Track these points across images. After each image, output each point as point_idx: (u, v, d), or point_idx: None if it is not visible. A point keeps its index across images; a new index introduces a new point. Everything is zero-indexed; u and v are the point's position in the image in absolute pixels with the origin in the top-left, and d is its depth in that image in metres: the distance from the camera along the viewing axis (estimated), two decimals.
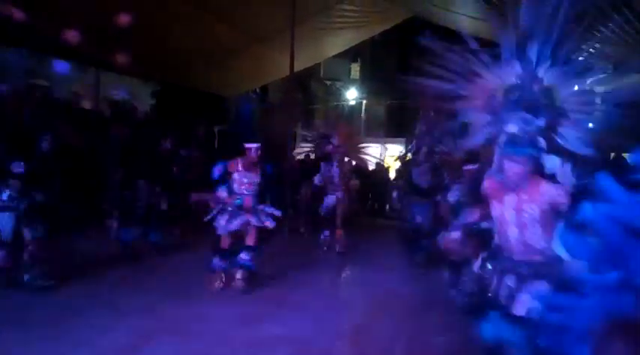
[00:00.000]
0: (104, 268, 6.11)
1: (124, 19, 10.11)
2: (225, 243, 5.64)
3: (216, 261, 5.59)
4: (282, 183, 8.85)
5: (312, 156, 10.22)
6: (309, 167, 10.14)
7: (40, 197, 5.16)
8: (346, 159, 8.27)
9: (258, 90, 17.81)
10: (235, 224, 5.58)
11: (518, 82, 2.72)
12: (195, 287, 5.51)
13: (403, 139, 15.78)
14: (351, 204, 8.18)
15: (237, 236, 5.68)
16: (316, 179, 8.06)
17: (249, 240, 5.64)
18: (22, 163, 4.99)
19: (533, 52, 2.69)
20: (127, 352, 3.83)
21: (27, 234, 5.06)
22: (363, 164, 9.84)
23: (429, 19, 12.31)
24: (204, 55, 12.14)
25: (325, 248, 7.89)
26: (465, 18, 9.74)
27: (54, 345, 3.85)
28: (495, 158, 2.84)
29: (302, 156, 11.70)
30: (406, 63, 19.46)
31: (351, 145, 8.38)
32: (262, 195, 5.81)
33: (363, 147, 9.00)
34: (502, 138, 2.71)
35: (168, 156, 7.52)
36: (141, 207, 6.80)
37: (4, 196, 4.96)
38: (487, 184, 2.91)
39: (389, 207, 13.51)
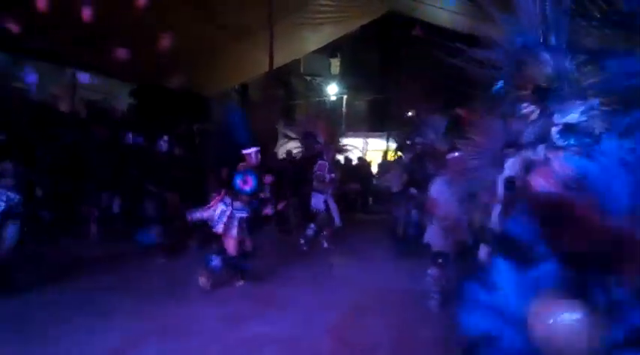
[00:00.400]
0: (90, 272, 6.06)
1: (96, 17, 10.00)
2: (232, 247, 5.59)
3: (218, 262, 5.56)
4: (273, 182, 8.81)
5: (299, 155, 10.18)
6: (297, 166, 10.10)
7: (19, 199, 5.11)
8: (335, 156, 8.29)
9: (237, 87, 17.72)
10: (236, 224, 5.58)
11: (556, 71, 2.63)
12: (182, 288, 5.50)
13: (384, 133, 15.90)
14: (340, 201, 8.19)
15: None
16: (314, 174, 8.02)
17: (247, 246, 5.76)
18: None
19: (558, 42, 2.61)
20: (116, 354, 3.80)
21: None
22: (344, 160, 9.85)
23: (407, 14, 12.40)
24: (182, 53, 12.02)
25: (303, 242, 7.83)
26: (444, 12, 9.81)
27: (43, 349, 3.83)
28: (541, 151, 2.71)
29: (285, 155, 11.66)
30: (386, 58, 19.58)
31: (335, 142, 8.39)
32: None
33: (345, 145, 9.02)
34: (554, 130, 2.59)
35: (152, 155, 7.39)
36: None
37: None
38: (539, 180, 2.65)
39: (371, 201, 13.58)
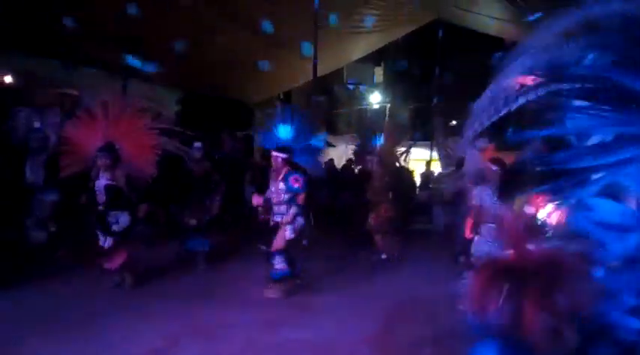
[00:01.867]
0: (139, 274, 6.23)
1: (144, 26, 10.31)
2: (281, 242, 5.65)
3: (283, 265, 5.62)
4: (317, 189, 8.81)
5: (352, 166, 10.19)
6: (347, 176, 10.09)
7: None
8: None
9: (281, 95, 17.91)
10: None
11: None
12: (222, 293, 5.57)
13: (428, 143, 15.67)
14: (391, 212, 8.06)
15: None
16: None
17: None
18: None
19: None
20: (157, 354, 3.88)
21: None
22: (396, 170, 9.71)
23: (452, 22, 12.24)
24: (227, 62, 12.26)
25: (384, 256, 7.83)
26: (490, 20, 9.61)
27: (83, 347, 3.94)
28: None
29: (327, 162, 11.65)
30: (431, 66, 19.35)
31: (390, 154, 8.29)
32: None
33: (403, 154, 8.90)
34: None
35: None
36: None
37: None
38: None
39: (414, 211, 13.36)
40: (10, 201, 6.75)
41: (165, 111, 14.71)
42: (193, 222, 6.72)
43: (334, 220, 9.29)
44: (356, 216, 8.54)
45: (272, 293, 5.56)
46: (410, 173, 13.84)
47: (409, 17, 12.45)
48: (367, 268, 7.34)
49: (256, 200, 5.79)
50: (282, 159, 5.70)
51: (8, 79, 13.10)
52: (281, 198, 5.71)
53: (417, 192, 12.99)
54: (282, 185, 5.69)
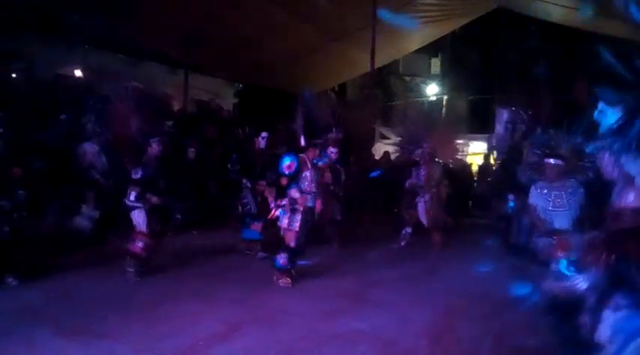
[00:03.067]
0: (200, 261, 6.51)
1: (203, 22, 10.58)
2: (293, 243, 5.59)
3: (284, 261, 5.56)
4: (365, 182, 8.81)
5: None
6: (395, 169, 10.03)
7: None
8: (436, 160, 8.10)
9: (336, 87, 17.93)
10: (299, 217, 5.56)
11: None
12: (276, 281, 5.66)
13: (486, 135, 15.28)
14: (440, 206, 7.97)
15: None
16: (408, 182, 7.96)
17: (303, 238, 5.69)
18: (139, 169, 5.54)
19: None
20: (218, 338, 4.03)
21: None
22: (455, 164, 9.54)
23: (516, 10, 11.85)
24: (287, 55, 12.38)
25: (403, 243, 7.81)
26: (558, 8, 9.22)
27: (150, 328, 4.14)
28: None
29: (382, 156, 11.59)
30: (488, 56, 18.83)
31: (444, 147, 8.16)
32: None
33: (457, 147, 8.73)
34: None
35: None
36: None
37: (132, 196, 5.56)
38: None
39: (472, 204, 13.11)
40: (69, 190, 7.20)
41: (224, 103, 15.10)
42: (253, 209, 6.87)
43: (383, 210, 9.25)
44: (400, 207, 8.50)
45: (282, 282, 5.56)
46: (467, 166, 13.60)
47: (468, 7, 12.15)
48: (413, 259, 7.31)
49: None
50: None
51: (78, 72, 13.78)
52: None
53: (475, 185, 12.73)
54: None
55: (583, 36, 9.50)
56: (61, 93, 11.69)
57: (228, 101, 16.57)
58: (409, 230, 7.93)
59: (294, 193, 5.54)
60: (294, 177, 5.58)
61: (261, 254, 6.78)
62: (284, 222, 5.61)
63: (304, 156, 5.68)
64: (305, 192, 5.58)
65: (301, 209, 5.56)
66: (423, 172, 7.77)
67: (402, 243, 7.91)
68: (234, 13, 10.63)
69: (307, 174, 5.62)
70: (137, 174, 5.54)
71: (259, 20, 11.01)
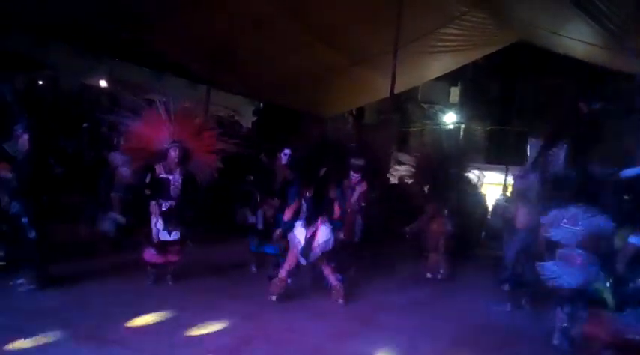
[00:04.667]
0: (215, 274, 6.56)
1: (226, 40, 10.78)
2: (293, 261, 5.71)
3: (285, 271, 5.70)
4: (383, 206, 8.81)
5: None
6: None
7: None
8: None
9: (354, 111, 18.07)
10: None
11: None
12: (288, 298, 5.67)
13: (503, 166, 15.26)
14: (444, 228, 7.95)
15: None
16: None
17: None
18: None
19: None
20: (228, 351, 4.08)
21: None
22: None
23: (536, 44, 11.91)
24: (308, 76, 12.52)
25: (429, 273, 7.78)
26: (580, 44, 9.26)
27: (161, 337, 4.19)
28: None
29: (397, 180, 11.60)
30: (508, 87, 18.88)
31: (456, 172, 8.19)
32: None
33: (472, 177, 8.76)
34: None
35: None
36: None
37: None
38: None
39: (485, 235, 13.01)
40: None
41: (243, 120, 15.29)
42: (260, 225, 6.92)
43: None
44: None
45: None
46: (482, 196, 13.52)
47: (489, 38, 12.23)
48: (422, 286, 7.29)
49: None
50: None
51: (103, 83, 14.08)
52: None
53: (489, 217, 12.63)
54: None
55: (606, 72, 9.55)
56: (86, 103, 11.94)
57: (247, 119, 16.80)
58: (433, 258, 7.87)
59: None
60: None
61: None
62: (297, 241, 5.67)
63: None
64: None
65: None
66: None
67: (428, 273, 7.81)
68: (257, 32, 10.83)
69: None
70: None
71: (282, 40, 11.18)
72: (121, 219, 7.20)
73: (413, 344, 4.71)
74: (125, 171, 7.16)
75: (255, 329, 4.65)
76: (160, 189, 5.74)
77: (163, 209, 5.73)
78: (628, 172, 3.65)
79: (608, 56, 9.15)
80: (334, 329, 4.93)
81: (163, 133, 5.82)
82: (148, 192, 5.76)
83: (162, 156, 5.80)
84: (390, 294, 6.57)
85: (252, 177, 7.49)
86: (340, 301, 5.69)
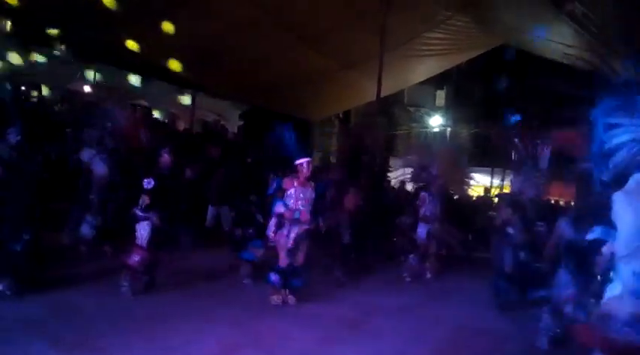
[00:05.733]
0: (201, 280, 6.46)
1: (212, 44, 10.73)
2: (284, 261, 5.69)
3: (275, 278, 5.66)
4: (380, 210, 8.80)
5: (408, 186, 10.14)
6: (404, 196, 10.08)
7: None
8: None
9: (341, 114, 18.11)
10: (293, 236, 5.70)
11: None
12: (281, 306, 5.64)
13: (488, 169, 15.39)
14: (445, 234, 7.97)
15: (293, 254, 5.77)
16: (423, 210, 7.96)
17: (300, 258, 5.78)
18: (151, 179, 5.52)
19: None
20: None
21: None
22: (463, 193, 9.57)
23: (520, 48, 12.06)
24: (295, 80, 12.52)
25: (406, 274, 7.75)
26: (562, 47, 9.39)
27: (148, 345, 4.12)
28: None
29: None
30: (493, 90, 19.08)
31: (452, 174, 8.20)
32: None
33: (465, 177, 8.76)
34: None
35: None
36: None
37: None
38: None
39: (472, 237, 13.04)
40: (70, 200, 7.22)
41: (229, 125, 15.23)
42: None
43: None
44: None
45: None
46: (469, 199, 13.58)
47: (475, 42, 12.35)
48: (411, 290, 7.28)
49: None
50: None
51: (87, 88, 13.94)
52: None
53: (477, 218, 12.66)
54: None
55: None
56: (69, 107, 11.80)
57: (233, 123, 16.74)
58: (415, 259, 7.84)
59: (279, 208, 5.73)
60: (276, 195, 5.82)
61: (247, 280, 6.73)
62: (275, 237, 5.73)
63: (291, 176, 5.81)
64: (290, 209, 5.71)
65: (289, 222, 5.69)
66: (431, 199, 7.78)
67: (408, 279, 7.77)
68: (243, 36, 10.81)
69: (292, 191, 5.74)
70: (149, 185, 5.52)
71: (268, 44, 11.18)
72: (98, 220, 6.96)
73: (401, 348, 4.71)
74: (97, 168, 6.99)
75: (243, 336, 4.59)
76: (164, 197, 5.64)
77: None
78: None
79: (590, 58, 9.26)
80: (323, 334, 4.89)
81: (151, 137, 5.77)
82: (148, 200, 5.54)
83: (152, 159, 5.75)
84: (379, 298, 6.56)
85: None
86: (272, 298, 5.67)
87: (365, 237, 8.03)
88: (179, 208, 6.52)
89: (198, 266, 7.15)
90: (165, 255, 5.94)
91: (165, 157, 5.70)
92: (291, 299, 5.75)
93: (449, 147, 9.82)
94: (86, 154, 7.18)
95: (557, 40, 9.47)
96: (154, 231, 5.57)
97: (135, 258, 5.50)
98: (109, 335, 4.23)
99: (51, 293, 5.21)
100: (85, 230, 6.88)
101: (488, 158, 15.00)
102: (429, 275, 7.79)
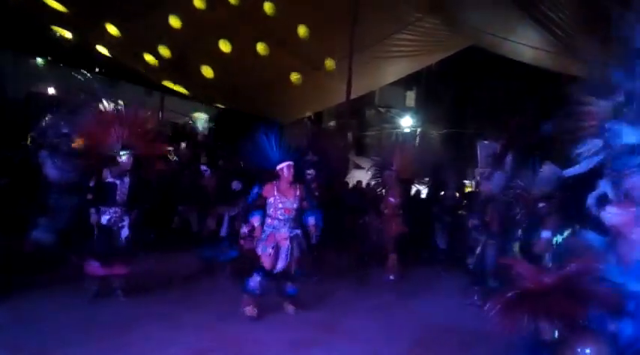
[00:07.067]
0: (169, 284, 6.32)
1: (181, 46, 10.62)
2: (267, 263, 5.37)
3: (255, 282, 5.31)
4: (340, 209, 8.79)
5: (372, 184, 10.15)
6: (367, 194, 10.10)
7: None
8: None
9: (312, 116, 18.09)
10: (272, 243, 5.39)
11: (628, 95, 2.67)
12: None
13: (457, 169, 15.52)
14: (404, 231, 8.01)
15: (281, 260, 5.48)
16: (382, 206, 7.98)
17: (293, 265, 5.52)
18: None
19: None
20: None
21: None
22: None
23: (487, 49, 12.24)
24: (264, 81, 12.47)
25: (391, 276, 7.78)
26: (528, 49, 9.59)
27: (114, 354, 4.00)
28: (605, 185, 2.72)
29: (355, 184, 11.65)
30: (463, 91, 19.37)
31: (408, 172, 8.28)
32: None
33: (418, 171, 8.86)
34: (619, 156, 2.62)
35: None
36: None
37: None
38: (617, 217, 2.69)
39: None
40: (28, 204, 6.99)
41: (199, 126, 15.06)
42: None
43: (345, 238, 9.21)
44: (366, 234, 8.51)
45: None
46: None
47: (444, 43, 12.49)
48: (382, 289, 7.26)
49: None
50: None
51: (51, 90, 13.59)
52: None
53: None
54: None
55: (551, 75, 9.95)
56: (32, 110, 11.46)
57: (203, 124, 16.55)
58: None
59: (254, 220, 5.50)
60: (255, 204, 5.55)
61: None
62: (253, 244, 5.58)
63: (272, 183, 5.54)
64: (271, 217, 5.48)
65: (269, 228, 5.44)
66: (390, 194, 7.83)
67: (392, 277, 7.80)
68: (211, 38, 10.70)
69: (271, 200, 5.48)
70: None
71: (236, 45, 11.10)
72: (56, 225, 6.67)
73: (376, 348, 4.71)
74: (51, 171, 6.79)
75: (213, 341, 4.51)
76: (105, 194, 5.45)
77: (107, 216, 5.48)
78: (570, 171, 3.80)
79: (555, 60, 9.49)
80: (297, 337, 4.83)
81: (113, 138, 5.59)
82: (90, 196, 5.46)
83: (111, 160, 5.54)
84: (353, 298, 6.54)
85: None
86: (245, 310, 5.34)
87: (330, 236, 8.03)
88: (145, 209, 6.36)
89: (165, 269, 6.99)
90: (131, 258, 5.78)
91: (125, 161, 5.51)
92: (290, 308, 5.53)
93: (409, 146, 9.94)
94: (43, 155, 6.96)
95: (523, 42, 9.66)
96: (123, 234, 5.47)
97: (95, 264, 5.36)
98: (73, 345, 4.10)
99: (13, 300, 5.04)
100: (39, 234, 6.64)
101: (457, 158, 15.15)
102: (392, 277, 7.78)
